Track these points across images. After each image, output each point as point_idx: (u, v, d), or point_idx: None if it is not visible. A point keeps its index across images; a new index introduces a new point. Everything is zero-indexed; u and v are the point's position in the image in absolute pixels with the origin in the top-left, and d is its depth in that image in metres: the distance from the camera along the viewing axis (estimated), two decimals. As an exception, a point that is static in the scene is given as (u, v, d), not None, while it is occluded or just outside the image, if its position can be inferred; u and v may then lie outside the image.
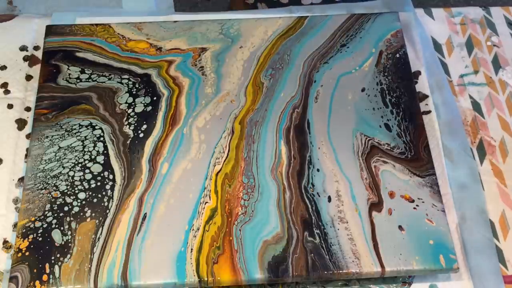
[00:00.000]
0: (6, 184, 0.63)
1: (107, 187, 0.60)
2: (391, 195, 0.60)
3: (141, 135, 0.63)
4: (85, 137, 0.63)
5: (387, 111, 0.65)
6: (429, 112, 0.69)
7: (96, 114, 0.64)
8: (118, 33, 0.70)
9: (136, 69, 0.68)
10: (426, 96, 0.70)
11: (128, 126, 0.64)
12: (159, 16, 0.75)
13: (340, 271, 0.56)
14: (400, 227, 0.58)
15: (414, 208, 0.59)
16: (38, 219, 0.58)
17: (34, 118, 0.64)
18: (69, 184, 0.60)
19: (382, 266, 0.56)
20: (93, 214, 0.58)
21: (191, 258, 0.56)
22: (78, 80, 0.67)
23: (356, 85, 0.67)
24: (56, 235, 0.57)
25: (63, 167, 0.61)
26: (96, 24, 0.71)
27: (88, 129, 0.63)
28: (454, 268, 0.56)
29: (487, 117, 0.70)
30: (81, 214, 0.58)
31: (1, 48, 0.72)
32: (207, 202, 0.59)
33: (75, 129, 0.63)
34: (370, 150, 0.63)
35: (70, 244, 0.57)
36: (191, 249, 0.57)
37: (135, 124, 0.64)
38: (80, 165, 0.61)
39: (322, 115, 0.65)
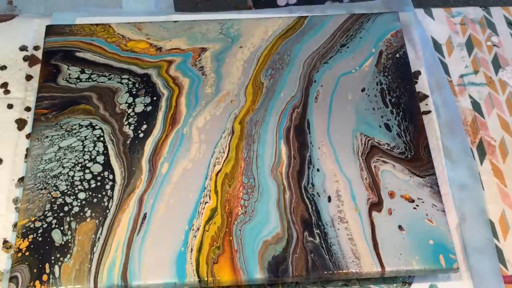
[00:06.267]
0: (6, 184, 0.63)
1: (107, 187, 0.60)
2: (391, 195, 0.60)
3: (141, 135, 0.63)
4: (85, 137, 0.63)
5: (387, 111, 0.65)
6: (429, 112, 0.69)
7: (96, 114, 0.64)
8: (118, 33, 0.70)
9: (136, 69, 0.68)
10: (426, 96, 0.70)
11: (128, 126, 0.64)
12: (159, 16, 0.75)
13: (340, 271, 0.56)
14: (400, 227, 0.58)
15: (414, 208, 0.59)
16: (38, 219, 0.58)
17: (34, 118, 0.64)
18: (69, 184, 0.60)
19: (382, 266, 0.56)
20: (93, 214, 0.58)
21: (191, 258, 0.56)
22: (78, 80, 0.67)
23: (356, 85, 0.67)
24: (56, 235, 0.57)
25: (63, 167, 0.61)
26: (96, 24, 0.71)
27: (88, 129, 0.63)
28: (454, 268, 0.56)
29: (487, 117, 0.70)
30: (81, 214, 0.58)
31: (1, 48, 0.72)
32: (207, 202, 0.59)
33: (75, 129, 0.63)
34: (370, 150, 0.63)
35: (70, 244, 0.57)
36: (191, 249, 0.57)
37: (135, 124, 0.64)
38: (80, 165, 0.61)
39: (322, 115, 0.65)
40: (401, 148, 0.63)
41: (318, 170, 0.61)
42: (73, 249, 0.56)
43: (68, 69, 0.67)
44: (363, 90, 0.67)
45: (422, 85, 0.71)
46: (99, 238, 0.57)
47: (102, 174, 0.61)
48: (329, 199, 0.60)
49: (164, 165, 0.61)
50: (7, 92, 0.69)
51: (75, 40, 0.70)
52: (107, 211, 0.59)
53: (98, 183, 0.60)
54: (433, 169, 0.62)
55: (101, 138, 0.63)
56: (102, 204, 0.59)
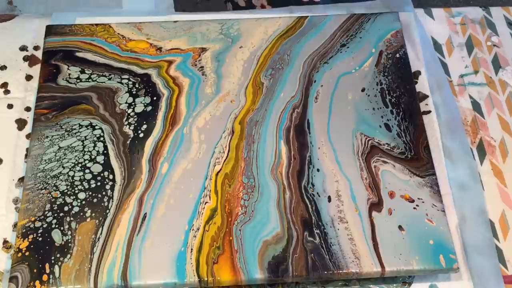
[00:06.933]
0: (6, 184, 0.63)
1: (107, 187, 0.60)
2: (391, 195, 0.60)
3: (141, 135, 0.63)
4: (85, 137, 0.63)
5: (387, 111, 0.65)
6: (429, 112, 0.69)
7: (96, 114, 0.64)
8: (118, 33, 0.70)
9: (136, 69, 0.68)
10: (426, 96, 0.70)
11: (128, 126, 0.64)
12: (159, 16, 0.75)
13: (340, 271, 0.56)
14: (400, 227, 0.58)
15: (414, 208, 0.59)
16: (38, 219, 0.58)
17: (34, 118, 0.64)
18: (69, 184, 0.60)
19: (382, 266, 0.56)
20: (93, 214, 0.58)
21: (191, 258, 0.56)
22: (78, 80, 0.67)
23: (356, 85, 0.67)
24: (56, 235, 0.57)
25: (63, 167, 0.61)
26: (96, 24, 0.71)
27: (88, 129, 0.63)
28: (454, 268, 0.56)
29: (487, 117, 0.70)
30: (81, 214, 0.58)
31: (1, 48, 0.72)
32: (207, 202, 0.59)
33: (75, 129, 0.63)
34: (370, 150, 0.63)
35: (70, 244, 0.57)
36: (191, 249, 0.57)
37: (135, 124, 0.64)
38: (80, 165, 0.61)
39: (322, 115, 0.65)
40: (401, 148, 0.63)
41: (318, 170, 0.61)
42: (73, 249, 0.56)
43: (68, 69, 0.67)
44: (363, 90, 0.67)
45: (422, 85, 0.71)
46: (99, 238, 0.57)
47: (102, 174, 0.61)
48: (329, 199, 0.60)
49: (164, 165, 0.61)
50: (7, 92, 0.69)
51: (75, 40, 0.70)
52: (107, 211, 0.59)
53: (98, 183, 0.60)
54: (433, 169, 0.62)
55: (101, 138, 0.63)
56: (102, 204, 0.59)
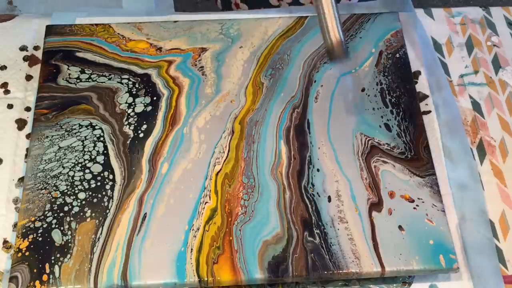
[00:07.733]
0: (6, 184, 0.63)
1: (107, 187, 0.60)
2: (391, 195, 0.60)
3: (141, 135, 0.63)
4: (85, 137, 0.63)
5: (387, 111, 0.65)
6: (429, 112, 0.69)
7: (96, 114, 0.64)
8: (118, 33, 0.70)
9: (136, 69, 0.68)
10: (426, 96, 0.70)
11: (128, 126, 0.64)
12: (159, 16, 0.75)
13: (340, 271, 0.56)
14: (400, 227, 0.58)
15: (414, 208, 0.59)
16: (38, 219, 0.58)
17: (34, 118, 0.64)
18: (69, 184, 0.60)
19: (382, 266, 0.56)
20: (93, 214, 0.58)
21: (191, 258, 0.56)
22: (78, 80, 0.67)
23: (356, 85, 0.67)
24: (56, 235, 0.57)
25: (63, 167, 0.61)
26: (96, 24, 0.71)
27: (88, 129, 0.63)
28: (454, 268, 0.56)
29: (487, 117, 0.70)
30: (81, 214, 0.58)
31: (1, 48, 0.72)
32: (207, 202, 0.59)
33: (75, 129, 0.63)
34: (370, 150, 0.63)
35: (70, 244, 0.57)
36: (191, 249, 0.57)
37: (135, 124, 0.64)
38: (80, 165, 0.61)
39: (322, 115, 0.65)
40: (401, 148, 0.63)
41: (318, 170, 0.61)
42: (73, 249, 0.56)
43: (68, 69, 0.67)
44: (363, 90, 0.67)
45: (422, 85, 0.71)
46: (99, 238, 0.57)
47: (102, 174, 0.61)
48: (329, 199, 0.60)
49: (164, 165, 0.61)
50: (7, 92, 0.69)
51: (75, 40, 0.70)
52: (107, 211, 0.59)
53: (98, 183, 0.60)
54: (433, 169, 0.62)
55: (101, 138, 0.63)
56: (102, 204, 0.59)
